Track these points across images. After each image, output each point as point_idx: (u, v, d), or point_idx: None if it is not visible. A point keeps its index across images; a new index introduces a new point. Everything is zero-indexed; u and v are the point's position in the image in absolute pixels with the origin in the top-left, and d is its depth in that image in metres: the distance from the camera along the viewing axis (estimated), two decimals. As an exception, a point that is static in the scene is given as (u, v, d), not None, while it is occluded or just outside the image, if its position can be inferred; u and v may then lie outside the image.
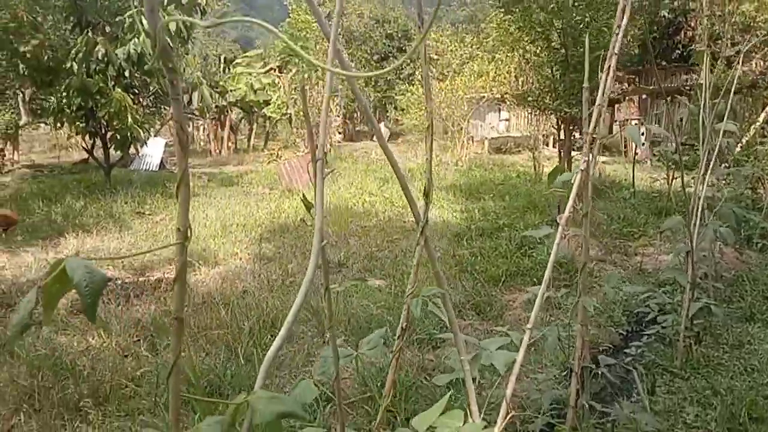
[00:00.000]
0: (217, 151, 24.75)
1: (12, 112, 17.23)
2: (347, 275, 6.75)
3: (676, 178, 10.38)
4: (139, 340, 4.73)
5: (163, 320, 4.95)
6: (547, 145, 18.75)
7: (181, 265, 1.18)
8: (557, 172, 2.92)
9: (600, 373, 4.28)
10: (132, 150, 18.15)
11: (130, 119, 12.12)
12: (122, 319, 5.06)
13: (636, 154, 14.61)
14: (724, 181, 7.13)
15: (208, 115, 23.14)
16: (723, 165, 6.14)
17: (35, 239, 8.52)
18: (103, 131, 12.89)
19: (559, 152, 11.42)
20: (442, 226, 8.85)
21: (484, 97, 18.15)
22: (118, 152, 13.46)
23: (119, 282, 6.11)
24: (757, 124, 9.86)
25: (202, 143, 27.29)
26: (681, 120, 14.64)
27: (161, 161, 18.49)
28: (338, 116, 23.30)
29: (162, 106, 17.71)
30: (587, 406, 3.09)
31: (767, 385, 3.76)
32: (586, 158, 2.72)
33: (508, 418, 2.55)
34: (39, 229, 9.07)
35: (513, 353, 2.47)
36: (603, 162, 15.02)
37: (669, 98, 13.73)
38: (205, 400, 3.58)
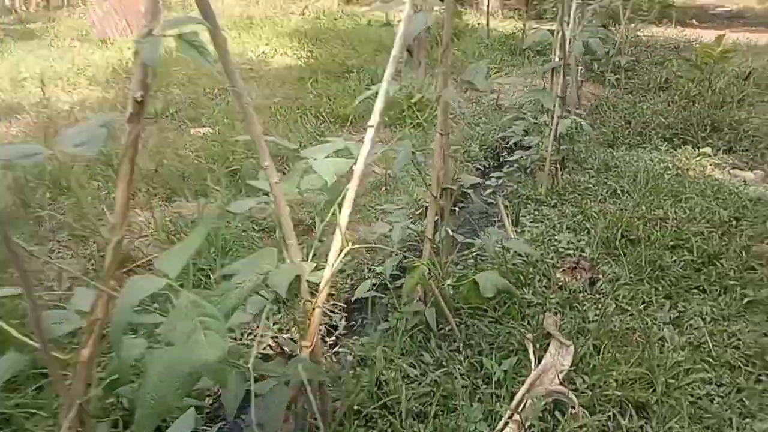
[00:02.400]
0: (23, 8, 20.87)
1: None
2: (165, 126, 5.60)
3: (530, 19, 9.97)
4: None
5: None
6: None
7: None
8: None
9: (457, 209, 3.71)
10: None
11: None
12: None
13: (488, 6, 13.99)
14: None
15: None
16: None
17: None
18: None
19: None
20: (283, 71, 7.76)
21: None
22: None
23: None
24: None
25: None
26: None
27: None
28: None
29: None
30: (448, 236, 2.44)
31: (639, 206, 3.36)
32: None
33: (343, 253, 1.81)
34: None
35: (347, 160, 1.68)
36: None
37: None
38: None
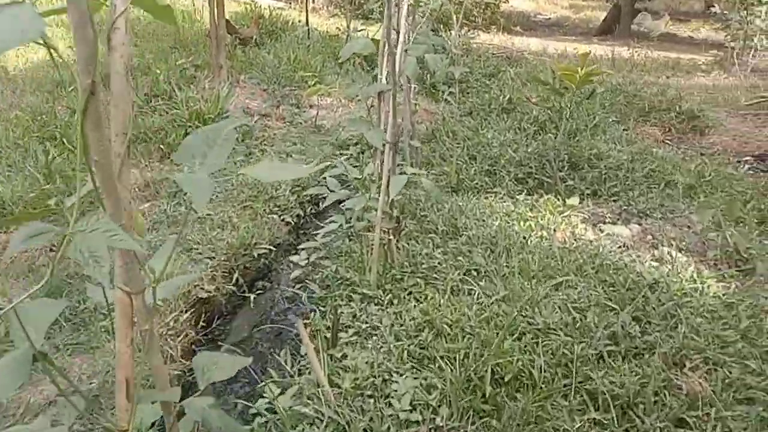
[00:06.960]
0: None
1: None
2: None
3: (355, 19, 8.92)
4: None
5: None
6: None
7: None
8: None
9: (252, 296, 2.49)
10: None
11: None
12: None
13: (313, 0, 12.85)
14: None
15: None
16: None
17: None
18: None
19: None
20: (40, 73, 5.92)
21: None
22: None
23: None
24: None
25: None
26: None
27: None
28: None
29: None
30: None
31: (521, 309, 2.28)
32: None
33: None
34: None
35: None
36: (279, 8, 12.88)
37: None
38: None
